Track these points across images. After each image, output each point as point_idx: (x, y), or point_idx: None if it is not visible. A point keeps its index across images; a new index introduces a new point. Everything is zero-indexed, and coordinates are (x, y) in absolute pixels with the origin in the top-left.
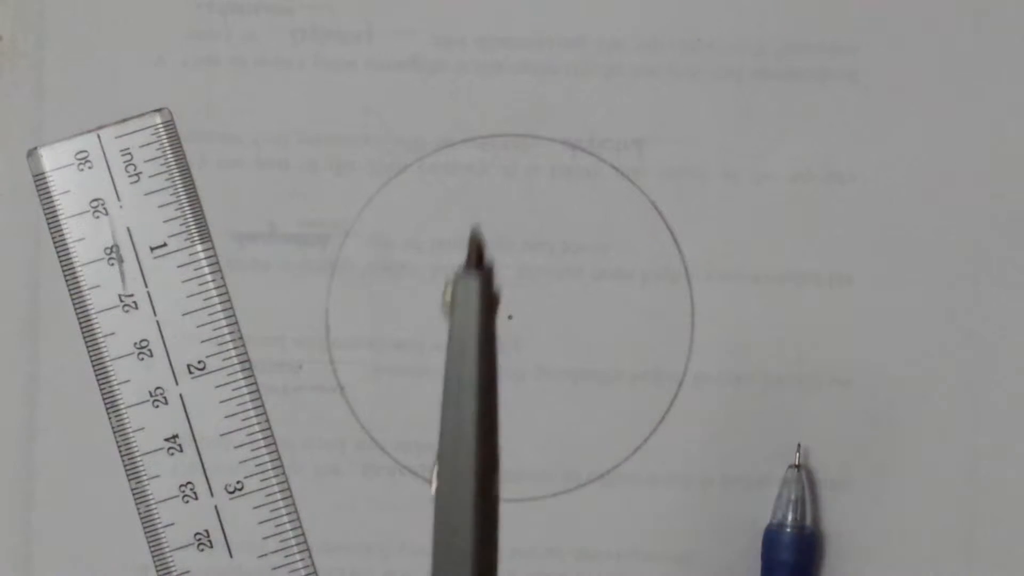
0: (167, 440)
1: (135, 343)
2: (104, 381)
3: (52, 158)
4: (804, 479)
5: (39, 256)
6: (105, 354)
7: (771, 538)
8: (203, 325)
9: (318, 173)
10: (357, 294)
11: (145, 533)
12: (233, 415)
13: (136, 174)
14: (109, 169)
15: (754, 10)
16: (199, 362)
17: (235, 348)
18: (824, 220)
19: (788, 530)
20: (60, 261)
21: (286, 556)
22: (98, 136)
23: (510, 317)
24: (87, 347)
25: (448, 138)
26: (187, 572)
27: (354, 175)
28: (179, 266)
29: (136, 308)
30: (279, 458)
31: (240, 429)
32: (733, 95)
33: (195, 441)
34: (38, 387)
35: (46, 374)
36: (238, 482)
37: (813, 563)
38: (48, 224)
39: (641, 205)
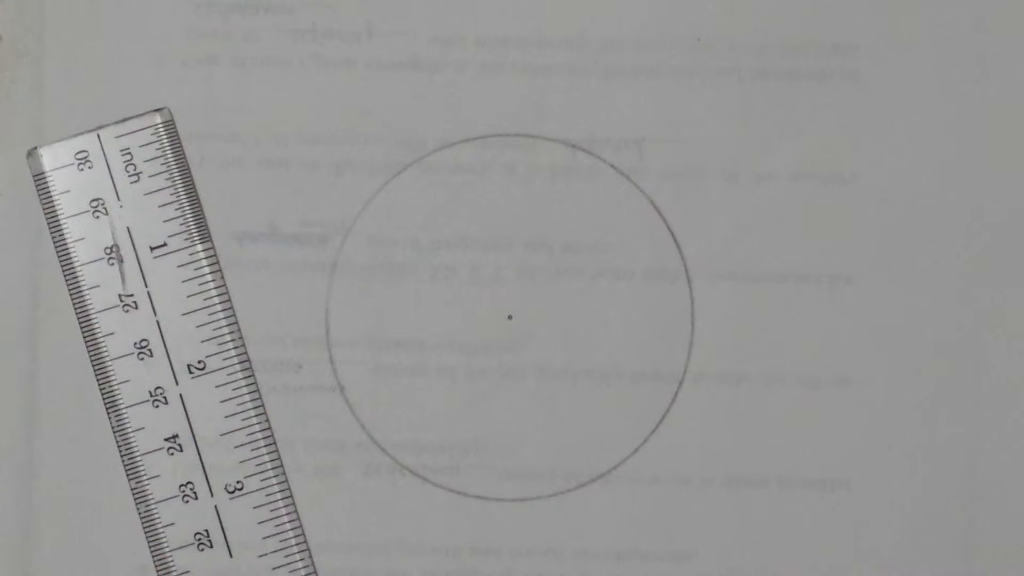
0: (167, 440)
1: (135, 343)
2: (104, 381)
3: (52, 158)
4: None
5: (39, 256)
6: (105, 354)
7: None
8: (203, 325)
9: (318, 173)
10: (357, 294)
11: (145, 533)
12: (233, 415)
13: (136, 174)
14: (109, 169)
15: (754, 10)
16: (199, 362)
17: (235, 348)
18: (824, 220)
19: None
20: (60, 261)
21: (286, 556)
22: (98, 136)
23: (510, 317)
24: (87, 347)
25: (448, 138)
26: (187, 572)
27: (354, 175)
28: (179, 266)
29: (136, 308)
30: (279, 458)
31: (240, 429)
32: (733, 95)
33: (195, 441)
34: (38, 387)
35: (46, 374)
36: (238, 482)
37: None
38: (48, 224)
39: (641, 205)
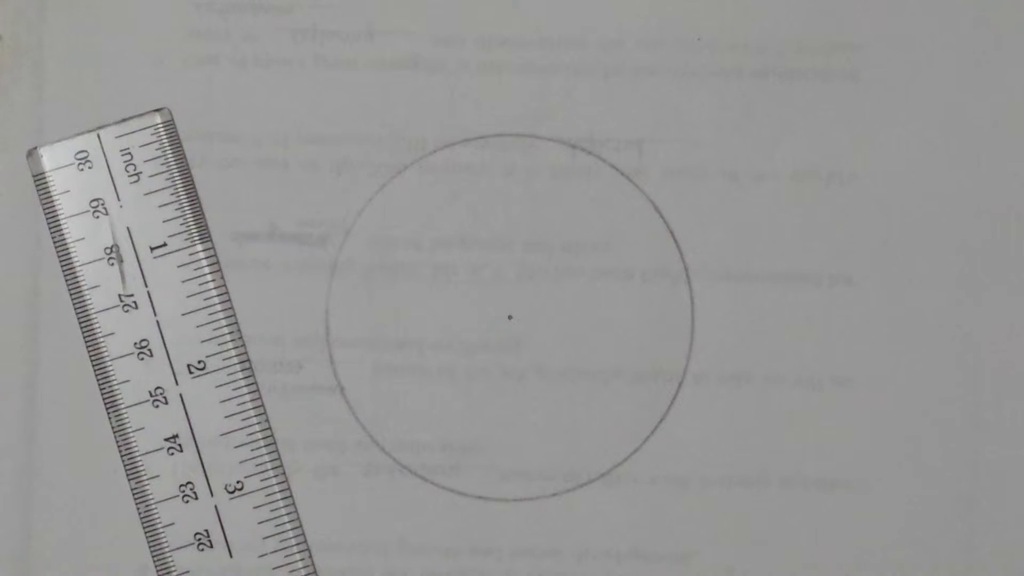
0: (167, 440)
1: (135, 343)
2: (104, 381)
3: (52, 158)
4: None
5: (39, 256)
6: (105, 354)
7: None
8: (203, 325)
9: (318, 173)
10: (357, 294)
11: (145, 533)
12: (233, 415)
13: (136, 174)
14: (109, 169)
15: (754, 10)
16: (199, 362)
17: (235, 348)
18: (824, 220)
19: None
20: (60, 261)
21: (286, 556)
22: (98, 136)
23: (510, 317)
24: (87, 347)
25: (448, 138)
26: (187, 572)
27: (354, 175)
28: (179, 266)
29: (136, 308)
30: (279, 458)
31: (240, 429)
32: (733, 95)
33: (195, 441)
34: (38, 387)
35: (46, 374)
36: (238, 482)
37: None
38: (48, 224)
39: (641, 205)
